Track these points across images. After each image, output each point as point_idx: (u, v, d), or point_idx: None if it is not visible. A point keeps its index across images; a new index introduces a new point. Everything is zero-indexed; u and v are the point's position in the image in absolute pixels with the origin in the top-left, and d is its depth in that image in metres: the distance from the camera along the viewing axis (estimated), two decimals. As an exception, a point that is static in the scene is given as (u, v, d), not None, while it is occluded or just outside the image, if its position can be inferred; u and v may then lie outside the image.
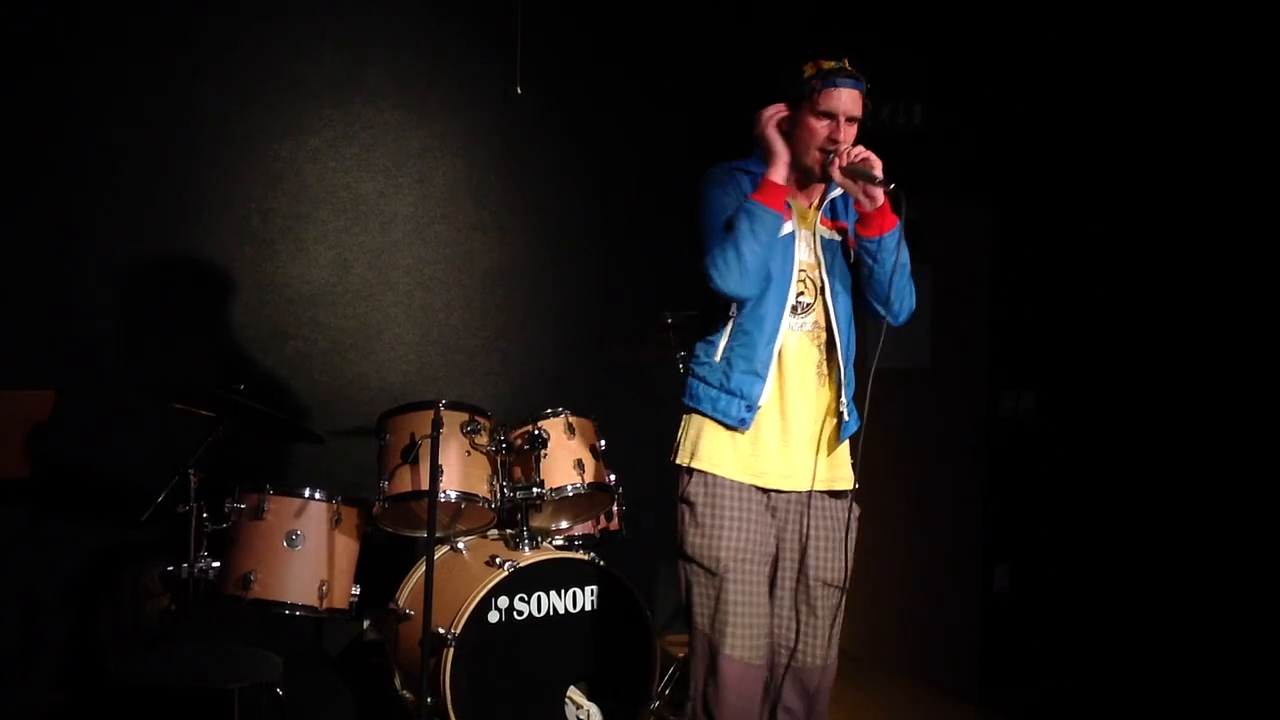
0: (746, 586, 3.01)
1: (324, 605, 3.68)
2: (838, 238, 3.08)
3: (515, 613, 3.74)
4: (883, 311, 3.05)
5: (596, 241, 5.07)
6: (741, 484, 3.03)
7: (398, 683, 3.91)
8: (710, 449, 3.05)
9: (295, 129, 4.58)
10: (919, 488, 5.50)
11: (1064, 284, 5.71)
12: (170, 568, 3.57)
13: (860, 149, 2.89)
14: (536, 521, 4.06)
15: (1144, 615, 5.27)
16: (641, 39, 5.14)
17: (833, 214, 3.10)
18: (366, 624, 4.37)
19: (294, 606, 3.63)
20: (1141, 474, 5.39)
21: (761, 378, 2.99)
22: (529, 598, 3.76)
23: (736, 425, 3.01)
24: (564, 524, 4.17)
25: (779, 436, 3.04)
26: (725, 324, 3.04)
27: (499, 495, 3.88)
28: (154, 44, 4.34)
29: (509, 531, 4.03)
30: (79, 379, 4.13)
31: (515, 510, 3.96)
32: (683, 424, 3.13)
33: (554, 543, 4.07)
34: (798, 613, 3.09)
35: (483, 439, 3.88)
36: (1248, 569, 4.96)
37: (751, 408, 3.00)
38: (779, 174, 2.95)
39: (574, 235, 5.05)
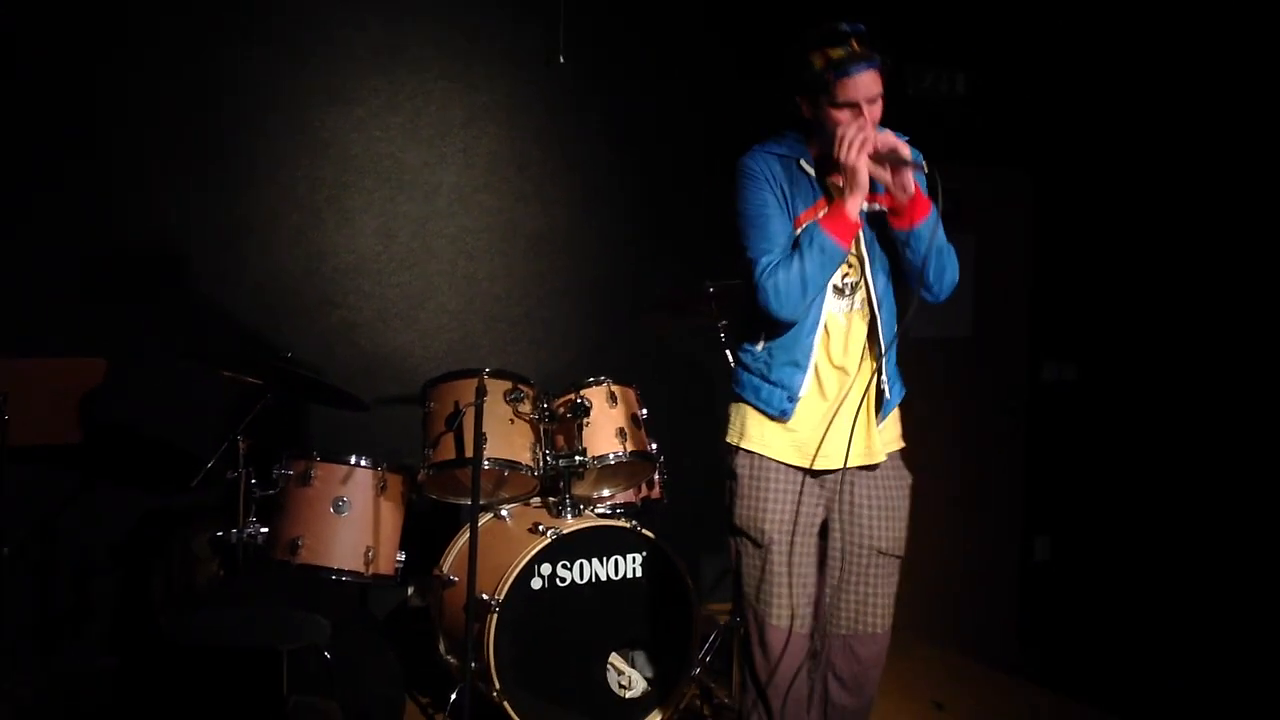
0: (792, 558, 3.03)
1: (370, 571, 3.72)
2: (879, 209, 2.97)
3: (558, 579, 3.78)
4: (923, 294, 2.98)
5: (639, 210, 5.07)
6: (788, 464, 3.04)
7: (442, 648, 3.97)
8: (758, 432, 3.04)
9: (341, 98, 4.61)
10: (960, 458, 5.49)
11: (1106, 253, 5.66)
12: (219, 533, 3.63)
13: (888, 136, 2.77)
14: (579, 489, 4.09)
15: (1185, 587, 5.25)
16: (684, 6, 5.12)
17: (871, 188, 2.98)
18: (411, 590, 4.43)
19: (340, 572, 3.67)
20: (1183, 444, 5.35)
21: (802, 368, 2.97)
22: (571, 565, 3.80)
23: (778, 416, 3.01)
24: (606, 492, 4.19)
25: (823, 415, 3.01)
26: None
27: (542, 463, 3.90)
28: (200, 14, 4.38)
29: (552, 499, 4.06)
30: (130, 347, 4.19)
31: (558, 478, 3.99)
32: (732, 408, 3.13)
33: (596, 510, 4.10)
34: (851, 582, 3.10)
35: (526, 407, 3.90)
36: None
37: (793, 399, 2.99)
38: (855, 208, 2.83)
39: (616, 204, 5.05)
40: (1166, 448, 5.44)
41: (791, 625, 3.04)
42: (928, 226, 2.85)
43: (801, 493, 3.04)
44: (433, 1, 4.74)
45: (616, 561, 3.87)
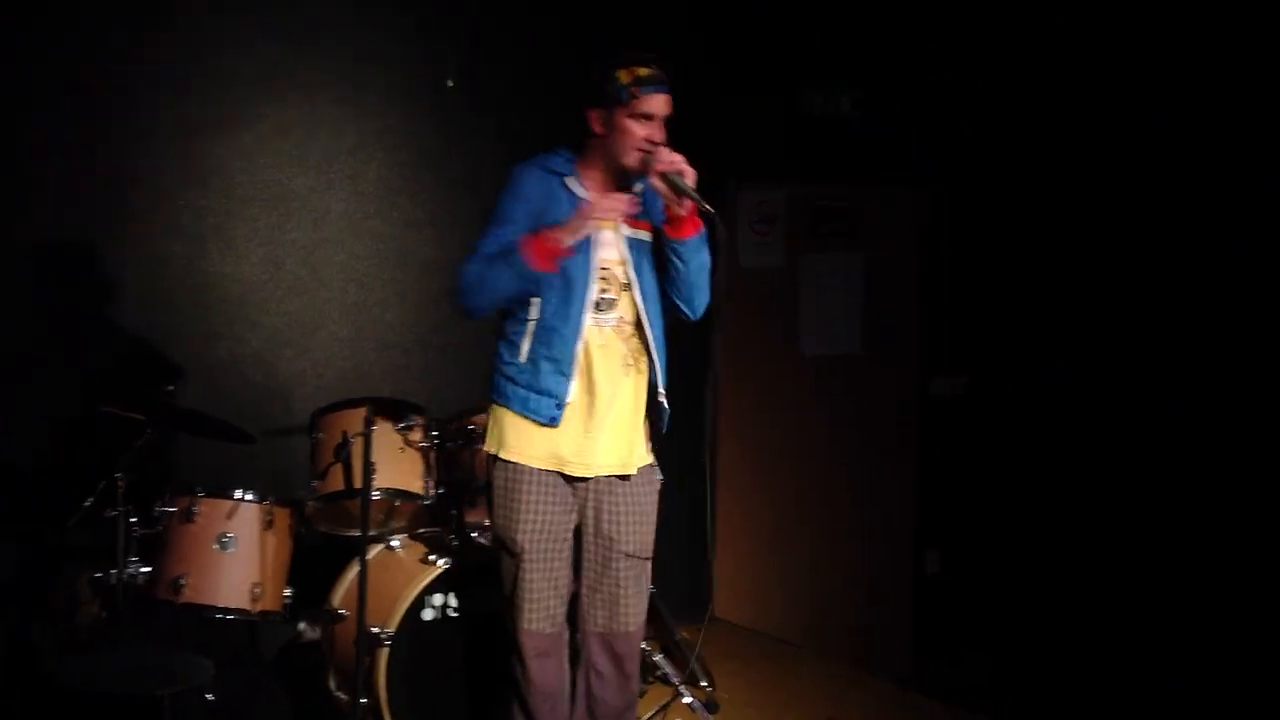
0: (542, 566, 3.25)
1: (257, 607, 3.67)
2: (644, 237, 3.22)
3: (450, 610, 3.75)
4: (683, 308, 3.25)
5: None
6: (544, 471, 3.22)
7: (332, 684, 3.90)
8: (518, 441, 3.24)
9: (225, 124, 4.53)
10: (852, 474, 5.57)
11: (995, 270, 5.79)
12: (99, 574, 3.56)
13: (679, 158, 3.04)
14: (472, 517, 4.06)
15: (1073, 596, 5.38)
16: (577, 31, 5.13)
17: (640, 212, 3.21)
18: (303, 625, 4.37)
19: (226, 610, 3.63)
20: (1070, 458, 5.49)
21: (568, 376, 3.16)
22: (464, 595, 3.77)
23: (547, 423, 3.18)
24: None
25: (584, 426, 3.20)
26: (525, 324, 3.20)
27: (433, 492, 3.89)
28: (80, 36, 4.28)
29: (444, 528, 4.03)
30: (4, 381, 4.08)
31: (450, 506, 3.97)
32: (491, 415, 3.32)
33: (490, 537, 4.07)
34: (604, 584, 3.29)
35: (416, 435, 3.88)
36: (1173, 547, 5.07)
37: (561, 405, 3.17)
38: (568, 238, 3.07)
39: (509, 229, 5.03)
40: (1054, 461, 5.57)
41: (541, 628, 3.27)
42: (698, 240, 3.15)
43: (555, 500, 3.23)
44: (321, 26, 4.68)
45: (510, 590, 3.84)
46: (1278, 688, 4.50)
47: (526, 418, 3.21)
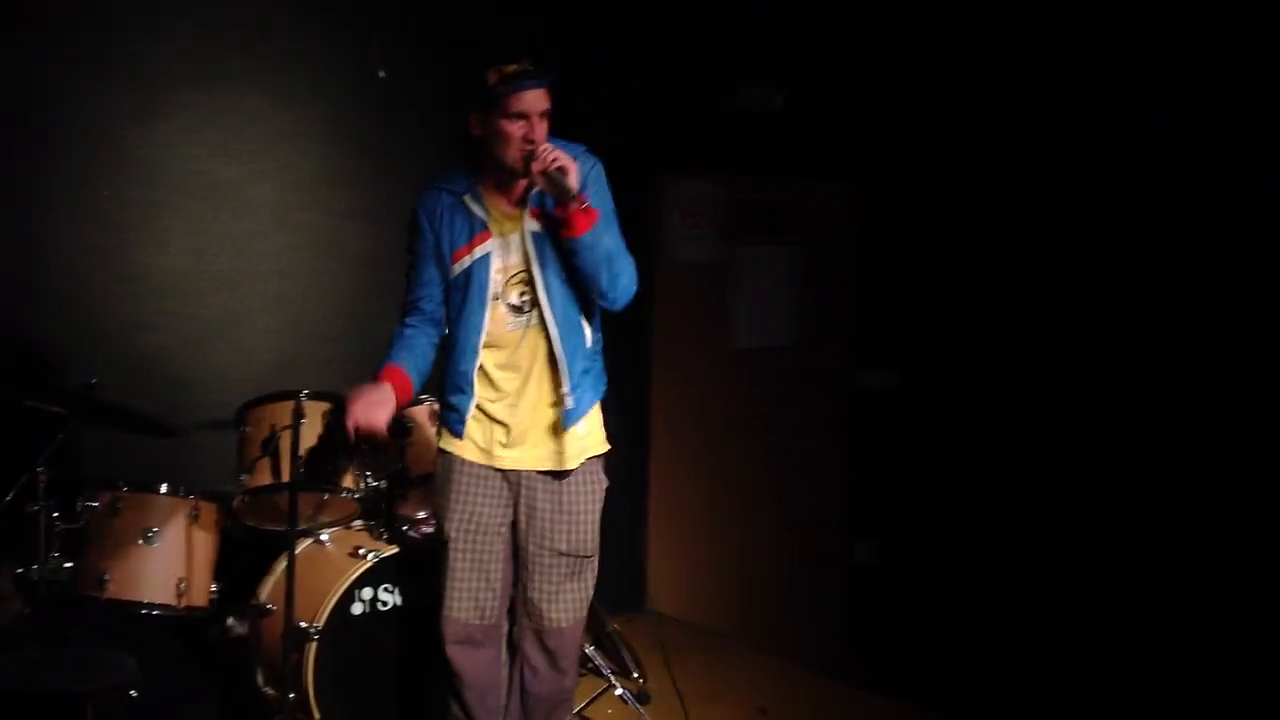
0: (469, 555, 3.30)
1: (182, 603, 3.64)
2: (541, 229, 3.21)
3: (379, 604, 3.74)
4: (601, 301, 3.22)
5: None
6: (476, 464, 3.28)
7: (260, 679, 3.87)
8: (450, 435, 3.34)
9: (151, 113, 4.46)
10: (784, 466, 5.60)
11: (927, 263, 5.85)
12: (20, 570, 3.50)
13: (558, 154, 3.02)
14: (403, 510, 4.05)
15: (1008, 586, 5.45)
16: (509, 22, 5.12)
17: (541, 203, 3.20)
18: (231, 620, 4.32)
19: (151, 605, 3.59)
20: (1004, 449, 5.56)
21: (465, 392, 3.26)
22: (393, 588, 3.76)
23: (455, 434, 3.30)
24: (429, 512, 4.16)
25: (511, 423, 3.25)
26: (449, 341, 3.31)
27: (363, 485, 3.87)
28: (-1, 22, 4.21)
29: (373, 522, 4.01)
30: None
31: (380, 500, 3.95)
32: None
33: (421, 531, 4.06)
34: (536, 580, 3.31)
35: (346, 428, 3.85)
36: (1108, 535, 5.15)
37: (462, 420, 3.28)
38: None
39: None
40: (988, 451, 5.63)
41: (465, 617, 3.31)
42: (594, 235, 3.08)
43: (486, 492, 3.29)
44: (249, 14, 4.63)
45: (441, 583, 3.83)
46: (1275, 688, 4.53)
47: (445, 425, 3.36)
